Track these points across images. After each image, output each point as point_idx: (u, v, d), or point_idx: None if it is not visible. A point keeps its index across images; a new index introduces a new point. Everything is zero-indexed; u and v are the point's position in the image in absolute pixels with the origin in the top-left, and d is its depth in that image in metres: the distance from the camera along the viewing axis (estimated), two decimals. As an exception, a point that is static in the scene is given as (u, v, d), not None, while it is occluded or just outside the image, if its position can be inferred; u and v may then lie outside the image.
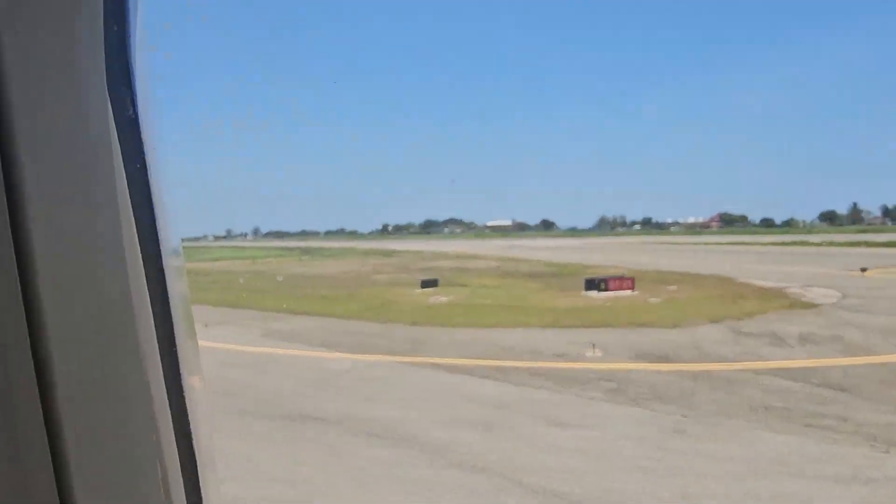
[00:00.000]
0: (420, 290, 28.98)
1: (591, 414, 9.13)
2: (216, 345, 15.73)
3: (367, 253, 75.16)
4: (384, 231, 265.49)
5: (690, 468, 6.81)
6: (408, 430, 8.48)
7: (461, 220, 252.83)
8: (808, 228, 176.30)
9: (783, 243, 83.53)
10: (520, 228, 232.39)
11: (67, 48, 0.76)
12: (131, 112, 0.86)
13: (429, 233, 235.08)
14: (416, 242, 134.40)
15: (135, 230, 0.84)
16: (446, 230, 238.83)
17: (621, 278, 27.64)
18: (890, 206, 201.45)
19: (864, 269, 31.99)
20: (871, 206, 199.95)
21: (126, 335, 0.82)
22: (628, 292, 26.67)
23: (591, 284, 27.14)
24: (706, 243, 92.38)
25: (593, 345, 13.97)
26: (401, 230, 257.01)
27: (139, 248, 0.85)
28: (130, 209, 0.83)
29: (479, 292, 28.16)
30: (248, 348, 15.31)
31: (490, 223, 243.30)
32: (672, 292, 26.70)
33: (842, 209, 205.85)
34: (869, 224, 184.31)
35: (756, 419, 8.64)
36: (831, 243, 76.92)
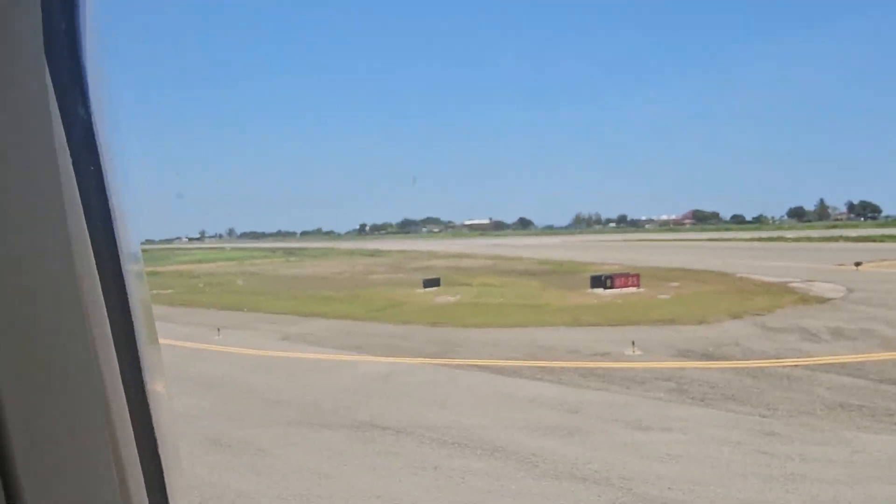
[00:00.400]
0: (423, 290, 28.52)
1: (667, 416, 8.83)
2: (239, 350, 15.10)
3: (353, 253, 74.30)
4: (361, 231, 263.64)
5: (810, 474, 6.55)
6: (489, 438, 8.08)
7: (438, 219, 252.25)
8: (778, 225, 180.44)
9: (761, 239, 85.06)
10: (497, 227, 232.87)
11: (6, 50, 0.75)
12: (83, 114, 0.83)
13: (407, 232, 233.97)
14: (397, 242, 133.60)
15: (87, 235, 0.82)
16: (424, 229, 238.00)
17: (626, 275, 27.56)
18: (855, 202, 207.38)
19: (857, 264, 32.49)
20: (837, 203, 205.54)
21: (77, 341, 0.80)
22: (633, 289, 26.60)
23: (597, 282, 27.00)
24: (686, 240, 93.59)
25: (633, 343, 13.74)
26: (378, 230, 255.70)
27: (92, 253, 0.83)
28: (82, 214, 0.81)
29: (484, 291, 27.80)
30: (273, 353, 14.70)
31: (468, 222, 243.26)
32: (677, 288, 26.69)
33: (809, 205, 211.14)
34: (835, 220, 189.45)
35: (841, 418, 8.45)
36: (808, 239, 78.65)
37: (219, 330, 17.72)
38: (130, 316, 0.90)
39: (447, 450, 7.69)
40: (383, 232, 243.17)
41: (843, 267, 33.26)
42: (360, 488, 6.59)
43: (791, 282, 27.31)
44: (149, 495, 0.91)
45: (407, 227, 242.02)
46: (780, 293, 23.63)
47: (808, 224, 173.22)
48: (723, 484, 6.39)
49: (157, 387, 0.96)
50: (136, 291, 0.92)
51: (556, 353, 13.64)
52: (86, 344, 0.81)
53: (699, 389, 10.21)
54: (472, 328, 17.79)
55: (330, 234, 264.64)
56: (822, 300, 21.00)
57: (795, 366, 11.66)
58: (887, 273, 29.45)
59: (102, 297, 0.84)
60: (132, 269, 0.91)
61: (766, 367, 11.70)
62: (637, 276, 27.54)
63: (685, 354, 13.05)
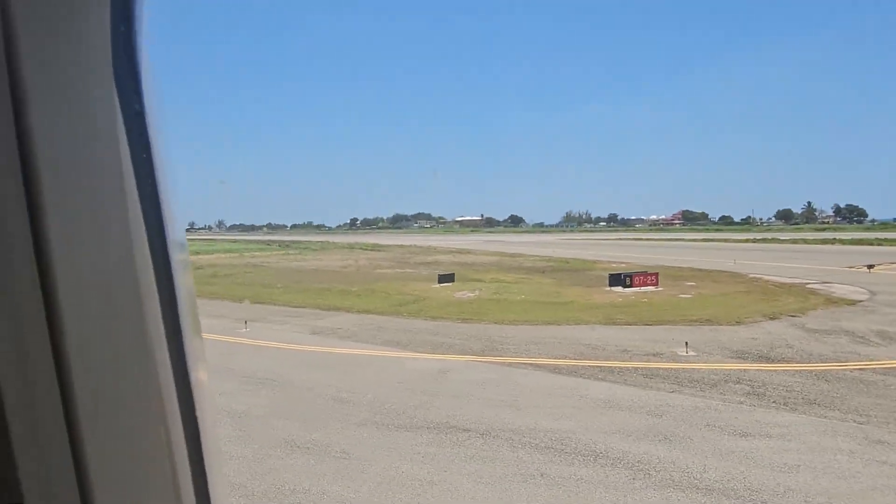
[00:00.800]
0: (439, 286, 28.00)
1: (759, 422, 8.44)
2: (273, 344, 14.55)
3: (351, 247, 73.56)
4: (353, 225, 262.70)
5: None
6: (582, 442, 7.64)
7: (430, 215, 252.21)
8: (767, 226, 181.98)
9: (755, 240, 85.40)
10: (488, 223, 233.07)
11: (76, 48, 0.78)
12: (138, 107, 0.86)
13: (398, 227, 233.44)
14: (391, 237, 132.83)
15: (143, 223, 0.84)
16: (415, 225, 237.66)
17: (645, 274, 27.25)
18: (841, 205, 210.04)
19: (870, 266, 32.50)
20: (824, 206, 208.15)
21: (137, 331, 0.82)
22: (652, 288, 26.32)
23: (616, 280, 26.68)
24: (680, 240, 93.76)
25: (686, 344, 13.38)
26: (370, 224, 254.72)
27: (147, 241, 0.84)
28: (138, 202, 0.83)
29: (501, 288, 27.34)
30: (309, 347, 14.16)
31: (459, 218, 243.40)
32: (695, 288, 26.44)
33: (796, 208, 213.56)
34: (822, 222, 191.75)
35: (943, 425, 8.12)
36: (804, 241, 78.97)
37: (246, 323, 17.13)
38: (177, 305, 0.88)
39: (544, 455, 7.24)
40: (374, 227, 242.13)
41: (853, 269, 33.25)
42: (475, 497, 6.11)
43: (807, 283, 27.16)
44: (195, 487, 0.91)
45: (398, 223, 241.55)
46: (803, 295, 23.42)
47: (795, 226, 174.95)
48: (865, 498, 6.00)
49: (201, 376, 0.94)
50: (182, 281, 0.90)
51: (605, 352, 13.24)
52: (143, 335, 0.82)
53: (776, 393, 9.85)
54: (504, 325, 17.34)
55: (321, 228, 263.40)
56: (850, 302, 20.80)
57: (863, 369, 11.35)
58: (901, 276, 29.35)
59: (156, 287, 0.84)
60: (179, 259, 0.89)
61: (832, 370, 11.37)
62: (656, 274, 27.26)
63: (741, 356, 12.70)
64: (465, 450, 7.47)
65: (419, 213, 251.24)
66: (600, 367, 11.87)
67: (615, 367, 11.79)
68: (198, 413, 0.93)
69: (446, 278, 29.28)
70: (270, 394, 10.22)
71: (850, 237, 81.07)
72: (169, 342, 0.86)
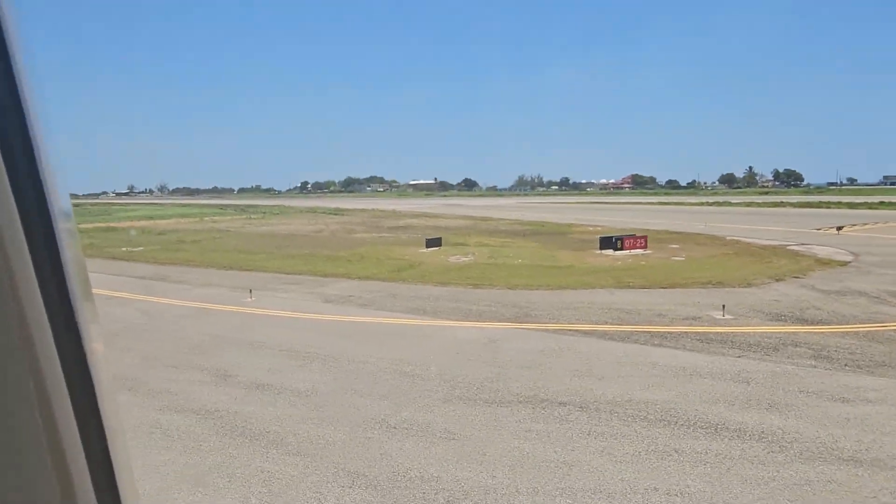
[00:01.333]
0: (427, 250, 27.32)
1: (848, 386, 8.29)
2: (290, 314, 13.67)
3: (313, 211, 71.47)
4: (303, 189, 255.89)
5: None
6: (692, 413, 7.29)
7: (382, 179, 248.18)
8: (714, 190, 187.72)
9: (708, 203, 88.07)
10: (443, 187, 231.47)
11: None
12: (3, 68, 0.79)
13: (350, 191, 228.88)
14: (347, 201, 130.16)
15: (9, 190, 0.77)
16: (368, 188, 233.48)
17: (634, 237, 27.32)
18: (780, 170, 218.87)
19: (839, 228, 33.70)
20: (764, 170, 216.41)
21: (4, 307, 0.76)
22: (642, 251, 26.43)
23: (608, 243, 26.65)
24: (637, 203, 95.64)
25: (723, 306, 13.28)
26: (321, 188, 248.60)
27: (17, 212, 0.78)
28: (3, 168, 0.77)
29: (492, 252, 26.88)
30: (330, 317, 13.33)
31: (412, 182, 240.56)
32: (681, 250, 26.69)
33: (738, 173, 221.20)
34: (762, 186, 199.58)
35: None
36: (755, 204, 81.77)
37: (251, 292, 16.09)
38: (63, 274, 0.84)
39: (663, 429, 6.84)
40: (326, 191, 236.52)
41: (821, 231, 34.39)
42: (623, 479, 5.64)
43: (787, 245, 27.79)
44: (94, 466, 0.85)
45: (351, 186, 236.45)
46: (789, 256, 23.87)
47: (738, 190, 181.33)
48: None
49: (96, 347, 0.88)
50: (68, 248, 0.86)
51: (641, 317, 12.99)
52: (15, 305, 0.76)
53: (842, 356, 9.78)
54: (519, 290, 16.91)
55: (270, 192, 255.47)
56: (840, 263, 21.32)
57: (906, 329, 11.48)
58: (872, 237, 30.45)
59: (29, 255, 0.79)
60: (65, 227, 0.85)
61: (875, 331, 11.44)
62: (645, 237, 27.39)
63: (778, 318, 12.68)
64: (577, 425, 7.00)
65: (372, 177, 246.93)
66: (647, 332, 11.59)
67: (663, 332, 11.54)
68: (95, 386, 0.87)
69: (433, 242, 28.60)
70: (324, 368, 9.45)
71: (796, 201, 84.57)
72: (54, 314, 0.80)
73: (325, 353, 10.27)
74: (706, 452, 6.22)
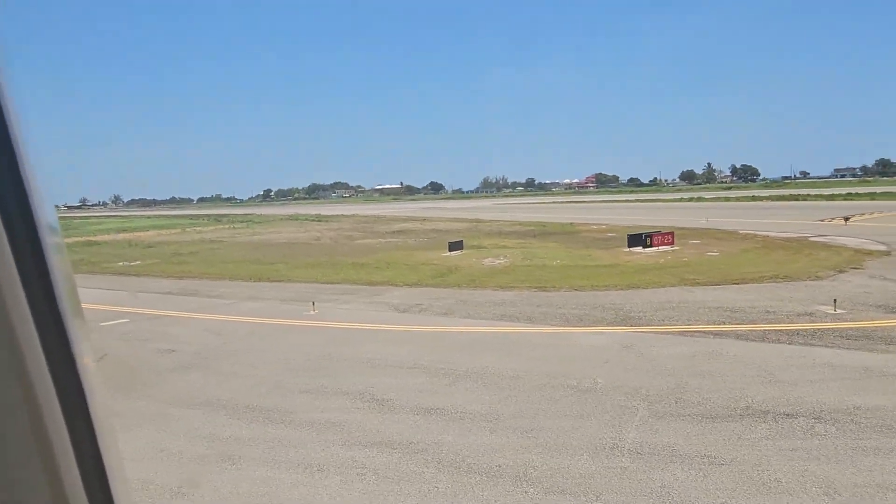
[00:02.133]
0: (451, 253, 26.37)
1: None
2: (370, 326, 12.54)
3: (295, 219, 69.31)
4: (266, 197, 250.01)
5: None
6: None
7: (348, 184, 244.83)
8: (676, 187, 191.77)
9: (682, 199, 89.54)
10: (409, 191, 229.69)
11: None
12: None
13: (316, 198, 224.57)
14: (317, 207, 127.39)
15: None
16: (334, 194, 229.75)
17: (661, 234, 26.91)
18: (738, 165, 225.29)
19: (846, 219, 34.18)
20: (722, 166, 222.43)
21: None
22: (669, 247, 26.06)
23: (636, 241, 26.18)
24: (613, 201, 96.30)
25: (834, 301, 12.77)
26: (285, 196, 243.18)
27: (2, 224, 0.76)
28: None
29: (522, 254, 26.07)
30: (422, 328, 12.26)
31: (378, 186, 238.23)
32: (705, 246, 26.43)
33: (698, 169, 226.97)
34: (720, 182, 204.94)
35: None
36: (727, 199, 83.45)
37: (313, 304, 14.84)
38: (53, 290, 0.81)
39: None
40: (290, 198, 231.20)
41: (827, 222, 34.73)
42: None
43: (807, 237, 27.80)
44: (86, 490, 0.84)
45: (315, 193, 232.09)
46: (823, 248, 23.73)
47: (699, 186, 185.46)
48: None
49: (87, 362, 0.87)
50: (57, 264, 0.83)
51: (751, 314, 12.36)
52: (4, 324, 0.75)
53: None
54: (588, 291, 16.15)
55: (231, 201, 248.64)
56: (884, 253, 21.26)
57: None
58: (884, 226, 30.76)
59: (17, 271, 0.76)
60: (52, 242, 0.82)
61: None
62: (671, 234, 27.02)
63: (891, 311, 12.24)
64: (834, 440, 6.21)
65: (337, 183, 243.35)
66: (779, 330, 10.96)
67: (795, 330, 10.91)
68: (87, 396, 0.85)
69: (456, 246, 27.67)
70: (478, 387, 8.41)
71: (768, 195, 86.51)
72: (45, 330, 0.78)
73: (461, 370, 9.23)
74: None
